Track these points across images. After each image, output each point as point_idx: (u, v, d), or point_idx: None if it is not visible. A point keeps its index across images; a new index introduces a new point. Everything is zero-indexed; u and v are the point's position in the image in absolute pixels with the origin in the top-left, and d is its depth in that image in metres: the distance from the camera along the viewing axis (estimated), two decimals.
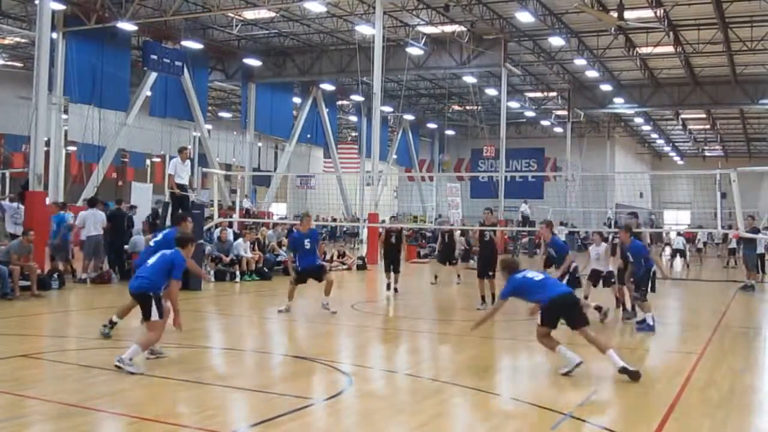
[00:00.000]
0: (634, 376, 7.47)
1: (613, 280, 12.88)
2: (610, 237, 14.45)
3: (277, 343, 10.33)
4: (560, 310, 7.84)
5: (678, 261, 26.50)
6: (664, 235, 46.86)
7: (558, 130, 49.09)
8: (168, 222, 16.13)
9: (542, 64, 37.50)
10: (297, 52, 36.97)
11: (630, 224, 12.54)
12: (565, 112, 45.39)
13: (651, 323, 11.14)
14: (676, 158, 65.29)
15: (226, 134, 45.00)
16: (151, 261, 8.10)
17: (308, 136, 42.02)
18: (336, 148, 44.65)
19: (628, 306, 12.45)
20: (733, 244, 27.47)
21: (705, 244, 32.48)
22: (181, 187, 15.70)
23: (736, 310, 14.99)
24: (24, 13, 29.41)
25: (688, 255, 27.08)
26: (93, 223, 16.26)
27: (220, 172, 31.80)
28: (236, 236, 19.22)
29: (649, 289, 11.34)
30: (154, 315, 7.73)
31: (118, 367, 7.26)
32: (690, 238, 29.72)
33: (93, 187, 29.03)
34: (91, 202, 17.25)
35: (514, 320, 12.59)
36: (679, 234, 28.51)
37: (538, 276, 8.15)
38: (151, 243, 9.70)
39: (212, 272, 17.38)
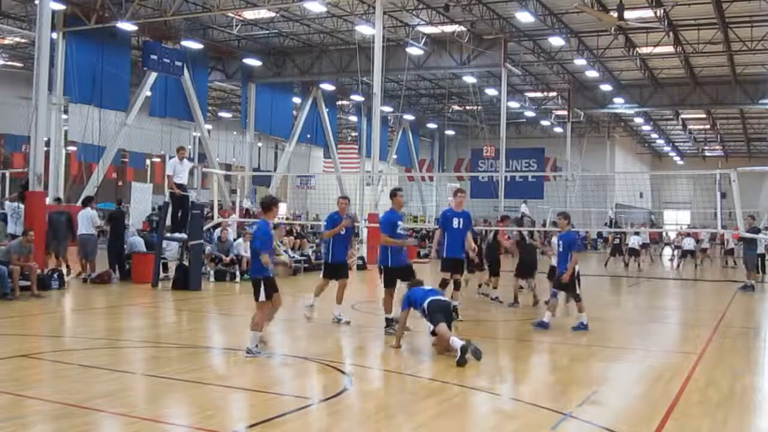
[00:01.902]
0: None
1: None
2: (611, 237, 14.40)
3: (277, 343, 10.32)
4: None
5: (685, 261, 26.54)
6: (664, 234, 46.78)
7: (558, 130, 49.06)
8: (168, 222, 16.15)
9: (542, 64, 37.48)
10: (297, 52, 36.96)
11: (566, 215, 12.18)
12: (565, 112, 45.35)
13: (585, 322, 10.89)
14: (676, 158, 65.27)
15: (226, 134, 45.03)
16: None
17: (308, 136, 42.00)
18: (336, 148, 44.62)
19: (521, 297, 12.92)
20: (731, 245, 27.44)
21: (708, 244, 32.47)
22: (180, 187, 15.72)
23: (736, 310, 14.97)
24: (24, 13, 29.40)
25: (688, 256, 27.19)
26: (83, 222, 16.38)
27: (220, 172, 31.81)
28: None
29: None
30: (261, 297, 8.61)
31: (250, 354, 8.16)
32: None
33: (93, 187, 29.03)
34: (84, 202, 17.43)
35: (514, 320, 12.60)
36: (688, 235, 28.43)
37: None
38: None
39: (212, 272, 17.39)
